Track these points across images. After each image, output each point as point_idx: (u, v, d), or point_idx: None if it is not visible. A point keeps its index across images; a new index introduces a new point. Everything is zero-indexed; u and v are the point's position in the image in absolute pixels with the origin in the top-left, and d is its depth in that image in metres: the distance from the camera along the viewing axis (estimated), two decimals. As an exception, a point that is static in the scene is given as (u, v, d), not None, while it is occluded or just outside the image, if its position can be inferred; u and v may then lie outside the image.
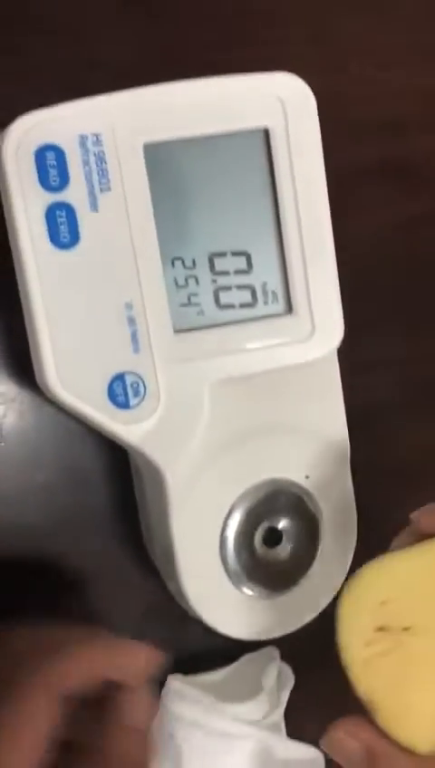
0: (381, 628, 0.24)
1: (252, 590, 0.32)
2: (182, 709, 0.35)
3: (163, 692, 0.35)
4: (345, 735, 0.24)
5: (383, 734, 0.24)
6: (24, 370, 0.32)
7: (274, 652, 0.36)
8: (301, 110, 0.30)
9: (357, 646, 0.24)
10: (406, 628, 0.24)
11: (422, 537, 0.25)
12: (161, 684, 0.35)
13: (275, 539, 0.33)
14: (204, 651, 0.36)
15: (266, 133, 0.30)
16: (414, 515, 0.25)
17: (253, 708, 0.35)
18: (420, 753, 0.24)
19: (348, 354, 0.33)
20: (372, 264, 0.39)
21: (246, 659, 0.36)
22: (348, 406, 0.34)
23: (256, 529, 0.32)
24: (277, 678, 0.36)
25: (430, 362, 0.40)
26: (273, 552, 0.33)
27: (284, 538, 0.33)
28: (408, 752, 0.24)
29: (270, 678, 0.35)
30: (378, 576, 0.24)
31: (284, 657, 0.36)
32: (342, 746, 0.24)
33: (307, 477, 0.33)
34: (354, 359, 0.34)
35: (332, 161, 0.32)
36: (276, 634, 0.34)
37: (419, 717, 0.24)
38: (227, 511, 0.32)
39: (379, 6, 0.39)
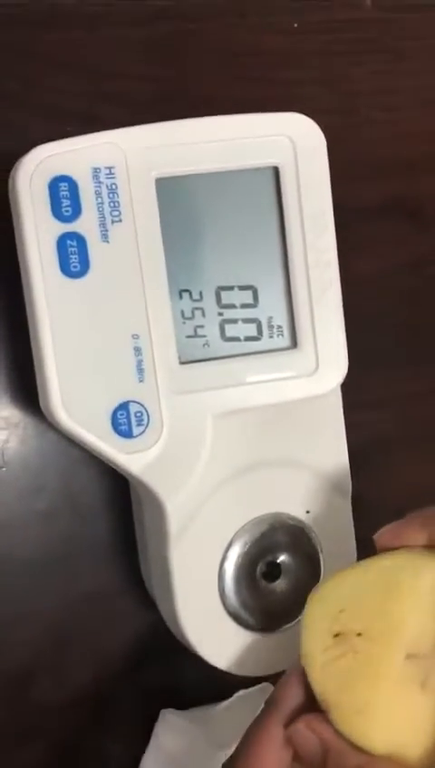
0: (337, 635, 0.26)
1: (250, 625, 0.32)
2: (175, 743, 0.34)
3: (157, 725, 0.35)
4: (305, 728, 0.25)
5: (339, 733, 0.25)
6: (29, 396, 0.32)
7: (269, 689, 0.36)
8: (311, 150, 0.30)
9: (316, 651, 0.26)
10: (359, 634, 0.25)
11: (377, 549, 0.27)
12: (154, 716, 0.35)
13: (275, 573, 0.33)
14: (199, 685, 0.35)
15: (276, 171, 0.30)
16: (376, 535, 0.27)
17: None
18: (374, 753, 0.25)
19: (352, 390, 0.33)
20: (377, 302, 0.39)
21: (240, 695, 0.35)
22: (350, 441, 0.34)
23: (255, 563, 0.32)
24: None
25: (432, 399, 0.40)
26: (272, 586, 0.33)
27: (283, 573, 0.33)
28: (361, 751, 0.25)
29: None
30: (335, 588, 0.27)
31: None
32: (302, 737, 0.26)
33: (308, 512, 0.33)
34: (358, 395, 0.34)
35: (340, 200, 0.32)
36: (274, 670, 0.33)
37: (369, 717, 0.25)
38: (226, 544, 0.31)
39: (389, 50, 0.40)
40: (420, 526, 0.27)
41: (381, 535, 0.27)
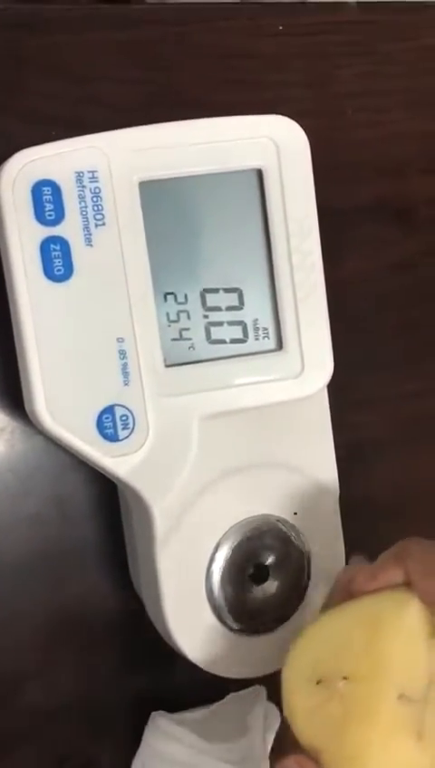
0: (319, 682, 0.25)
1: (238, 628, 0.32)
2: (166, 747, 0.34)
3: (147, 729, 0.35)
4: (294, 764, 0.25)
5: None
6: (16, 400, 0.32)
7: (260, 691, 0.36)
8: (294, 152, 0.31)
9: (300, 701, 0.26)
10: (344, 678, 0.25)
11: (352, 595, 0.27)
12: (144, 720, 0.35)
13: (263, 575, 0.33)
14: (189, 688, 0.35)
15: (260, 173, 0.30)
16: (347, 580, 0.27)
17: (238, 748, 0.34)
18: None
19: (339, 391, 0.33)
20: (365, 303, 0.39)
21: (232, 698, 0.35)
22: (338, 442, 0.34)
23: (243, 565, 0.32)
24: (263, 719, 0.35)
25: (419, 400, 0.40)
26: (260, 588, 0.33)
27: (271, 574, 0.33)
28: None
29: (256, 718, 0.35)
30: (314, 636, 0.27)
31: (271, 697, 0.36)
32: None
33: (295, 514, 0.33)
34: (345, 396, 0.34)
35: (327, 201, 0.32)
36: (263, 672, 0.33)
37: (363, 762, 0.24)
38: (213, 546, 0.31)
39: (375, 52, 0.40)
40: (394, 565, 0.26)
41: (356, 582, 0.26)
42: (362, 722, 0.24)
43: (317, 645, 0.26)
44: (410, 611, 0.25)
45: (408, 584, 0.26)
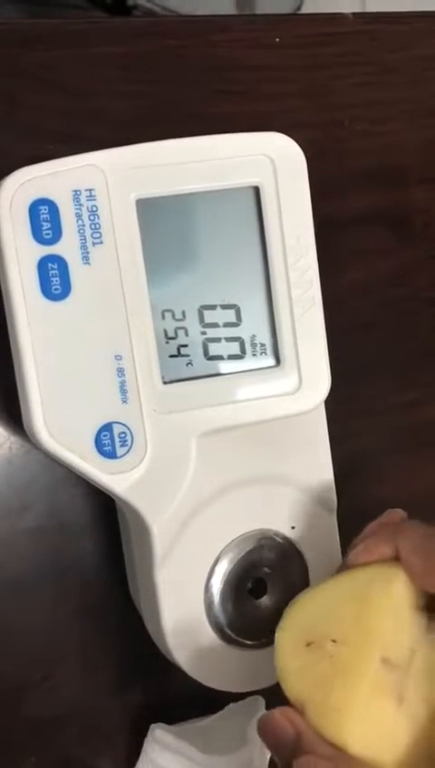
0: (310, 644, 0.27)
1: (237, 642, 0.32)
2: (164, 759, 0.34)
3: (145, 740, 0.35)
4: (280, 716, 0.26)
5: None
6: (13, 416, 0.32)
7: (259, 703, 0.36)
8: (291, 169, 0.31)
9: (291, 659, 0.27)
10: (333, 641, 0.27)
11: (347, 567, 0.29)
12: (144, 732, 0.35)
13: (262, 590, 0.33)
14: (188, 700, 0.36)
15: (257, 190, 0.30)
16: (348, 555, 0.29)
17: (236, 760, 0.34)
18: (347, 751, 0.26)
19: (336, 402, 0.33)
20: (362, 313, 0.39)
21: (230, 709, 0.36)
22: (335, 454, 0.34)
23: (241, 580, 0.32)
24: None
25: (416, 411, 0.40)
26: (259, 602, 0.33)
27: (270, 589, 0.33)
28: (334, 747, 0.26)
29: (255, 730, 0.35)
30: (308, 602, 0.28)
31: (269, 708, 0.36)
32: (275, 727, 0.26)
33: (293, 528, 0.33)
34: (342, 407, 0.34)
35: (325, 212, 0.32)
36: (262, 686, 0.33)
37: (345, 714, 0.26)
38: (212, 561, 0.32)
39: (372, 62, 0.40)
40: (386, 541, 0.28)
41: (354, 554, 0.28)
42: (347, 679, 0.26)
43: (310, 611, 0.28)
44: (398, 584, 0.27)
45: (397, 559, 0.28)
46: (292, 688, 0.27)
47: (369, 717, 0.26)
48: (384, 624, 0.27)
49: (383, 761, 0.26)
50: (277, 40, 0.38)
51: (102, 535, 0.35)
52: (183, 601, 0.31)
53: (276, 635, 0.28)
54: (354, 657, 0.26)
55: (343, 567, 0.30)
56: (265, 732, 0.27)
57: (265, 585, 0.33)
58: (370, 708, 0.26)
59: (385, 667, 0.26)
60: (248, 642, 0.32)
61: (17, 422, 0.31)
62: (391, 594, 0.27)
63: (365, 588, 0.27)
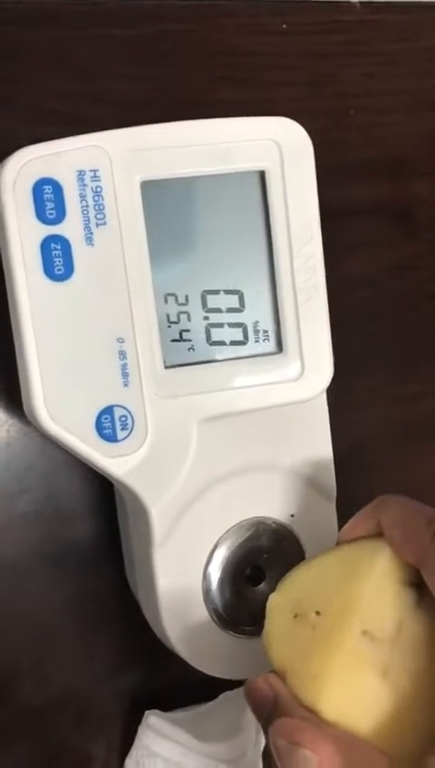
0: (296, 615, 0.28)
1: (235, 629, 0.32)
2: (158, 746, 0.34)
3: (140, 727, 0.35)
4: (263, 682, 0.27)
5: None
6: (13, 398, 0.32)
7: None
8: (297, 154, 0.30)
9: (277, 628, 0.28)
10: (317, 613, 0.27)
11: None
12: (138, 719, 0.35)
13: (260, 577, 0.33)
14: (183, 687, 0.35)
15: (262, 175, 0.30)
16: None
17: (230, 748, 0.34)
18: (322, 717, 0.26)
19: (337, 393, 0.33)
20: (364, 305, 0.39)
21: (225, 697, 0.36)
22: (335, 445, 0.34)
23: (240, 567, 0.32)
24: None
25: (417, 403, 0.40)
26: (257, 590, 0.33)
27: (268, 576, 0.33)
28: (310, 712, 0.26)
29: (249, 718, 0.35)
30: (298, 577, 0.29)
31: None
32: (257, 690, 0.27)
33: (292, 516, 0.33)
34: (343, 398, 0.34)
35: (328, 202, 0.32)
36: (258, 674, 0.33)
37: (322, 682, 0.26)
38: (210, 548, 0.31)
39: (378, 52, 0.39)
40: (370, 515, 0.28)
41: (342, 531, 0.29)
42: (328, 647, 0.27)
43: (298, 585, 0.29)
44: (380, 556, 0.27)
45: (381, 534, 0.28)
46: (275, 656, 0.28)
47: (346, 686, 0.26)
48: (364, 595, 0.27)
49: (362, 730, 0.26)
50: (284, 26, 0.38)
51: (100, 521, 0.35)
52: (181, 586, 0.31)
53: (267, 605, 0.29)
54: (334, 627, 0.27)
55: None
56: (248, 695, 0.28)
57: (263, 572, 0.33)
58: (347, 678, 0.26)
59: (366, 639, 0.27)
60: (245, 629, 0.32)
61: (16, 405, 0.31)
62: (372, 565, 0.27)
63: (350, 561, 0.28)
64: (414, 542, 0.26)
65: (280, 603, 0.28)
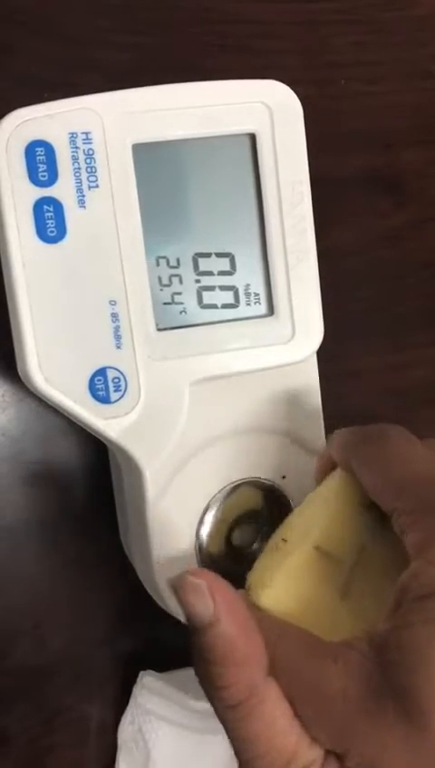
0: (272, 548, 0.28)
1: (226, 589, 0.33)
2: (153, 704, 0.35)
3: (135, 687, 0.36)
4: (191, 576, 0.24)
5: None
6: (8, 364, 0.32)
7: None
8: (287, 117, 0.31)
9: (257, 561, 0.28)
10: (284, 540, 0.28)
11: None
12: (133, 680, 0.36)
13: (251, 538, 0.33)
14: (176, 649, 0.36)
15: (253, 138, 0.31)
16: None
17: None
18: (255, 601, 0.26)
19: (329, 361, 0.34)
20: (354, 274, 0.39)
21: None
22: (326, 412, 0.34)
23: (231, 527, 0.33)
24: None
25: (407, 371, 0.40)
26: (248, 551, 0.33)
27: (259, 537, 0.33)
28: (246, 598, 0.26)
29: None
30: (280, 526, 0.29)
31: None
32: (184, 581, 0.24)
33: (284, 478, 0.33)
34: (335, 366, 0.35)
35: (318, 172, 0.32)
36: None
37: (271, 584, 0.26)
38: (203, 508, 0.32)
39: (369, 22, 0.40)
40: (325, 452, 0.29)
41: (314, 475, 0.29)
42: (280, 561, 0.27)
43: (278, 531, 0.29)
44: (335, 478, 0.28)
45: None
46: (248, 579, 0.28)
47: (292, 592, 0.26)
48: (318, 513, 0.27)
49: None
50: (276, -6, 0.38)
51: (95, 485, 0.35)
52: (174, 547, 0.32)
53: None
54: (291, 545, 0.27)
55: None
56: (175, 589, 0.25)
57: (255, 534, 0.33)
58: (295, 584, 0.26)
59: (320, 555, 0.27)
60: (237, 587, 0.33)
61: (11, 370, 0.31)
62: (328, 486, 0.28)
63: (316, 493, 0.29)
64: (348, 451, 0.27)
65: (267, 544, 0.29)
